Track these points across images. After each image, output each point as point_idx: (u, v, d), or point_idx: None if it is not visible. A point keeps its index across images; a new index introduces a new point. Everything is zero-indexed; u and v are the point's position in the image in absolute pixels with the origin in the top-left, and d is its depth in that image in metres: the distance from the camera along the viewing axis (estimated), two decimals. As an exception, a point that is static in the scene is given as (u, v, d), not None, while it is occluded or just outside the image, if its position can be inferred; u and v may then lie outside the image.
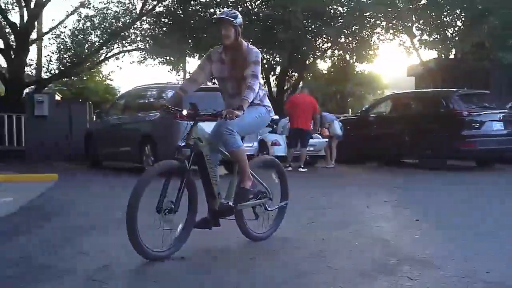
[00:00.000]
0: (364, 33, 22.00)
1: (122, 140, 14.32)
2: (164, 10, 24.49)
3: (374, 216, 7.45)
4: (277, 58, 21.83)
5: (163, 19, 24.79)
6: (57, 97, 26.96)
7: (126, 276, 4.57)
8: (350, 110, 26.60)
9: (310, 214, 7.47)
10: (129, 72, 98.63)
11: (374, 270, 4.57)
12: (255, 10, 22.43)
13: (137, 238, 4.68)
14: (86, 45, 25.23)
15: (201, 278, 4.46)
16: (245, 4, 21.52)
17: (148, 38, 25.53)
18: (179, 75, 27.57)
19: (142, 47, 26.44)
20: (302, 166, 15.12)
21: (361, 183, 12.27)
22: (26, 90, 24.24)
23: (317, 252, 5.27)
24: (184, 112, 5.25)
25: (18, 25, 23.06)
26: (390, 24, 21.96)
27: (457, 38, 21.37)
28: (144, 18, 25.30)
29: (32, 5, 22.88)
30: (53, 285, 4.24)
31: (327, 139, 16.66)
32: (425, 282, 4.23)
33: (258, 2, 22.25)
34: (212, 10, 23.29)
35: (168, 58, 25.83)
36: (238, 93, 5.42)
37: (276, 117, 18.13)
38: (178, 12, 23.58)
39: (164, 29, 24.78)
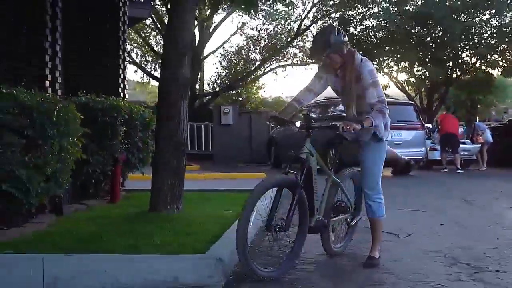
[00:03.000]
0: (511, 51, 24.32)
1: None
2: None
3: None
4: (426, 73, 24.44)
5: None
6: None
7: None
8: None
9: (507, 201, 9.94)
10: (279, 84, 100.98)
11: None
12: (415, 32, 25.20)
13: (247, 254, 4.51)
14: (249, 63, 28.72)
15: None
16: (406, 27, 24.13)
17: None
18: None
19: (299, 63, 29.69)
20: (460, 168, 17.44)
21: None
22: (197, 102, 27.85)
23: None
24: (298, 124, 5.14)
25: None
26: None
27: None
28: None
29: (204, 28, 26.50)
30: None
31: (480, 145, 18.88)
32: None
33: (418, 26, 24.88)
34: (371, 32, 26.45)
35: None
36: (349, 108, 5.17)
37: (429, 125, 20.66)
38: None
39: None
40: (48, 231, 6.02)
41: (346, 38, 5.10)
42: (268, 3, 7.83)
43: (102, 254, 4.81)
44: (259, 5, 8.14)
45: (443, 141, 18.08)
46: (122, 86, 10.19)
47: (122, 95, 10.09)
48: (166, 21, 25.88)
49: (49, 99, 5.78)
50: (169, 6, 7.71)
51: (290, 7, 25.47)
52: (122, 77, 10.20)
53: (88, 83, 9.04)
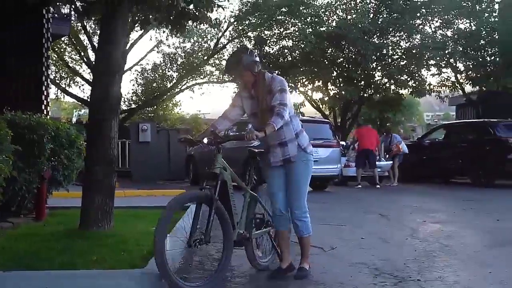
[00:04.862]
0: (420, 72, 25.50)
1: (228, 162, 17.15)
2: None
3: (462, 215, 10.48)
4: (342, 92, 25.28)
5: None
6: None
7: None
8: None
9: (421, 215, 10.47)
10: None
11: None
12: (332, 53, 26.10)
13: (167, 268, 4.54)
14: (166, 80, 28.85)
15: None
16: (321, 48, 24.89)
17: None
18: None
19: (215, 81, 30.05)
20: (378, 183, 18.14)
21: (438, 196, 15.19)
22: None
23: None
24: (205, 140, 5.23)
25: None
26: (442, 64, 25.43)
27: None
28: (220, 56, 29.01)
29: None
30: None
31: (391, 162, 19.60)
32: None
33: (332, 47, 25.76)
34: (287, 51, 27.14)
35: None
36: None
37: (343, 143, 21.29)
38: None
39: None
40: (-21, 249, 5.96)
41: (257, 58, 5.35)
42: (195, 23, 7.96)
43: (42, 270, 4.83)
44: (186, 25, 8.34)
45: (361, 157, 18.50)
46: (45, 102, 10.12)
47: (45, 112, 10.02)
48: (81, 38, 25.78)
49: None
50: (100, 26, 7.84)
51: (212, 27, 25.84)
52: (45, 94, 10.14)
53: (11, 99, 8.95)
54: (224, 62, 29.61)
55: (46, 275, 4.70)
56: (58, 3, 9.37)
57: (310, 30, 25.42)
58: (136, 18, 9.04)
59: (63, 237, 6.65)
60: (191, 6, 8.05)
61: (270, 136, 5.17)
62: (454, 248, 7.17)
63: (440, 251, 6.92)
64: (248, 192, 5.55)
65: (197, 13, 8.16)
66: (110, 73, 7.02)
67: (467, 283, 5.29)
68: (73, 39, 26.32)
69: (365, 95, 26.68)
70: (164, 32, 26.35)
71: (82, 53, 26.85)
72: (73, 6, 10.97)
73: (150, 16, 8.01)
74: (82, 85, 29.04)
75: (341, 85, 25.53)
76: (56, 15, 13.11)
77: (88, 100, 28.38)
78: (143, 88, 29.73)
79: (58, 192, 9.53)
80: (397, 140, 19.92)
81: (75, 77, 28.92)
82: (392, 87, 26.44)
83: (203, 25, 8.90)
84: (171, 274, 4.54)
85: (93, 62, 25.87)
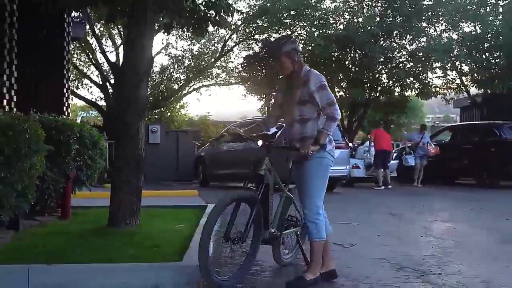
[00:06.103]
0: (425, 75, 25.76)
1: (238, 164, 16.15)
2: (251, 54, 27.92)
3: (470, 215, 10.73)
4: (347, 95, 25.52)
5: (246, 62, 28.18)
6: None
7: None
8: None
9: (431, 214, 10.72)
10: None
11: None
12: (339, 56, 26.33)
13: (209, 268, 4.68)
14: (173, 82, 29.08)
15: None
16: (329, 51, 25.09)
17: (235, 75, 29.27)
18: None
19: (222, 82, 30.30)
20: (389, 184, 18.39)
21: (444, 197, 15.43)
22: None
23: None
24: (259, 143, 5.27)
25: (115, 64, 26.78)
26: (448, 67, 25.70)
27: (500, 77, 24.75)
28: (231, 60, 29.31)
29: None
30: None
31: (397, 161, 19.79)
32: None
33: (340, 50, 25.96)
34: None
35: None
36: (294, 120, 5.23)
37: (351, 144, 21.47)
38: (260, 55, 26.96)
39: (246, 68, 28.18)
40: (17, 244, 6.20)
41: (299, 48, 5.34)
42: (214, 28, 8.25)
43: (84, 264, 5.07)
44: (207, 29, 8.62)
45: (379, 158, 18.57)
46: (66, 104, 10.37)
47: (66, 113, 10.27)
48: (89, 40, 26.01)
49: (20, 118, 6.00)
50: (127, 30, 8.13)
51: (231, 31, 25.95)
52: (66, 95, 10.38)
53: (35, 101, 9.19)
54: (230, 65, 30.01)
55: (88, 268, 4.94)
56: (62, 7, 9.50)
57: (318, 33, 25.62)
58: (158, 23, 9.28)
59: (94, 234, 6.90)
60: (212, 11, 8.30)
61: (294, 130, 5.22)
62: (468, 245, 7.47)
63: (455, 248, 7.19)
64: (285, 193, 5.56)
65: (217, 18, 8.42)
66: (138, 78, 7.26)
67: (487, 277, 5.52)
68: (81, 42, 26.55)
69: (371, 97, 26.90)
70: (173, 35, 26.65)
71: (91, 56, 27.11)
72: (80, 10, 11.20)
73: (173, 21, 8.24)
74: (90, 87, 29.34)
75: (348, 87, 25.76)
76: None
77: (96, 102, 28.76)
78: (151, 90, 29.86)
79: (80, 192, 9.77)
80: (427, 141, 19.97)
81: (83, 79, 29.22)
82: (398, 89, 26.66)
83: (224, 30, 9.17)
84: (211, 275, 4.69)
85: (101, 65, 26.73)
